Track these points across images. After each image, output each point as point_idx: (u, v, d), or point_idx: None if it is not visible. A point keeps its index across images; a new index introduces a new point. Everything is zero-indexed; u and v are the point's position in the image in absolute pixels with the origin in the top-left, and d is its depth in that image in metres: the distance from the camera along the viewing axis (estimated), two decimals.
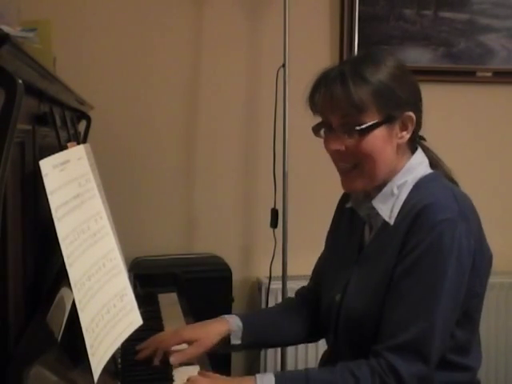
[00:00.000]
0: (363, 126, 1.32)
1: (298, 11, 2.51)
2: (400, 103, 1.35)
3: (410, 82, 1.39)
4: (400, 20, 2.74)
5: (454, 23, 2.77)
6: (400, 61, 1.41)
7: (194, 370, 1.41)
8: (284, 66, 2.44)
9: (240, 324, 1.51)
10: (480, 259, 1.33)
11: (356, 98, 1.31)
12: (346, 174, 1.39)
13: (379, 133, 1.33)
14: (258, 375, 1.31)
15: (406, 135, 1.37)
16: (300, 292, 1.67)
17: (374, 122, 1.33)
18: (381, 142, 1.34)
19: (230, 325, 1.51)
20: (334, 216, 1.62)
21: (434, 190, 1.35)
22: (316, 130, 1.42)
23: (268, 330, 1.57)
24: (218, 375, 1.37)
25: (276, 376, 1.30)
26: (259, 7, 2.64)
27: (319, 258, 1.65)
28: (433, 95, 2.82)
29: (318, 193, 2.69)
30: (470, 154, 2.83)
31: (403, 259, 1.30)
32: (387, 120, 1.34)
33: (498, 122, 2.87)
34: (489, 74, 2.83)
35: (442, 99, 2.80)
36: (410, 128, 1.37)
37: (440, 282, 1.27)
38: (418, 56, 2.76)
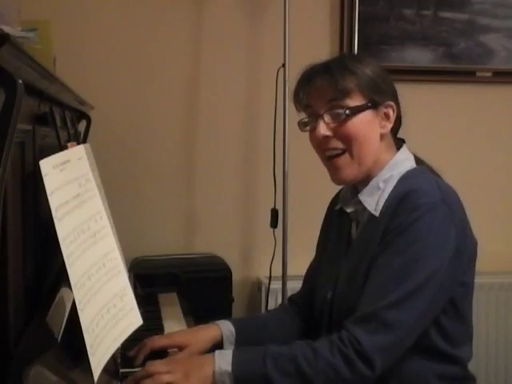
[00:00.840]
0: (350, 109, 1.37)
1: (297, 11, 2.51)
2: (382, 91, 1.41)
3: (389, 79, 1.46)
4: (400, 20, 2.74)
5: (453, 23, 2.77)
6: (378, 63, 1.49)
7: None
8: (284, 65, 2.44)
9: (232, 329, 1.51)
10: (463, 246, 1.34)
11: (341, 82, 1.37)
12: (334, 164, 1.41)
13: (364, 117, 1.39)
14: (216, 351, 1.31)
15: (388, 125, 1.42)
16: (293, 298, 1.68)
17: (360, 104, 1.38)
18: (366, 125, 1.39)
19: (223, 330, 1.50)
20: (323, 222, 1.63)
21: (417, 179, 1.38)
22: (302, 124, 1.45)
23: (261, 336, 1.55)
24: (176, 360, 1.36)
25: (234, 351, 1.30)
26: (259, 7, 2.64)
27: (310, 265, 1.66)
28: (433, 95, 2.84)
29: (317, 193, 2.68)
30: (470, 154, 2.83)
31: (383, 239, 1.33)
32: (372, 105, 1.39)
33: (498, 122, 2.87)
34: (489, 74, 2.83)
35: (442, 99, 2.80)
36: (392, 118, 1.42)
37: (413, 260, 1.28)
38: (417, 56, 2.76)
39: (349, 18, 2.68)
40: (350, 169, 1.40)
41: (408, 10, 2.74)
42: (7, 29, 0.96)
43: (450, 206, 1.33)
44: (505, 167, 2.89)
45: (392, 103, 1.41)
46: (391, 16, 2.72)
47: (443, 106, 2.80)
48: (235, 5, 2.63)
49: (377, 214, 1.38)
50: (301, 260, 2.60)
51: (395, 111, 1.42)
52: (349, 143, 1.39)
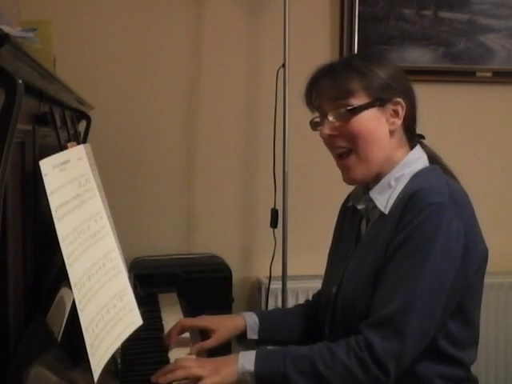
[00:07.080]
0: (352, 107, 1.38)
1: (298, 11, 2.51)
2: (388, 88, 1.41)
3: (404, 78, 1.47)
4: (400, 20, 2.74)
5: (453, 23, 2.77)
6: (394, 62, 1.52)
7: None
8: (284, 65, 2.44)
9: (257, 320, 1.58)
10: (473, 247, 1.33)
11: (343, 82, 1.39)
12: (343, 164, 1.43)
13: (369, 114, 1.39)
14: (241, 352, 1.35)
15: (398, 121, 1.42)
16: (314, 296, 1.71)
17: (364, 102, 1.39)
18: (372, 123, 1.40)
19: (247, 320, 1.57)
20: (336, 223, 1.63)
21: (427, 177, 1.39)
22: (313, 124, 1.48)
23: (282, 328, 1.62)
24: (205, 358, 1.43)
25: (257, 352, 1.34)
26: (259, 7, 2.64)
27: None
28: (433, 95, 2.83)
29: (318, 193, 2.69)
30: (470, 154, 2.83)
31: (393, 241, 1.33)
32: (377, 102, 1.39)
33: (498, 121, 2.87)
34: (489, 74, 2.83)
35: (442, 99, 2.80)
36: (401, 114, 1.41)
37: (423, 262, 1.28)
38: (417, 56, 2.76)
39: (349, 18, 2.68)
40: (358, 168, 1.41)
41: (408, 10, 2.74)
42: (7, 29, 0.95)
43: (459, 205, 1.33)
44: (505, 167, 2.89)
45: (400, 99, 1.41)
46: (391, 16, 2.72)
47: (443, 106, 2.80)
48: (235, 5, 2.63)
49: (386, 211, 1.38)
50: (301, 260, 2.62)
51: (404, 108, 1.41)
52: (354, 142, 1.40)
